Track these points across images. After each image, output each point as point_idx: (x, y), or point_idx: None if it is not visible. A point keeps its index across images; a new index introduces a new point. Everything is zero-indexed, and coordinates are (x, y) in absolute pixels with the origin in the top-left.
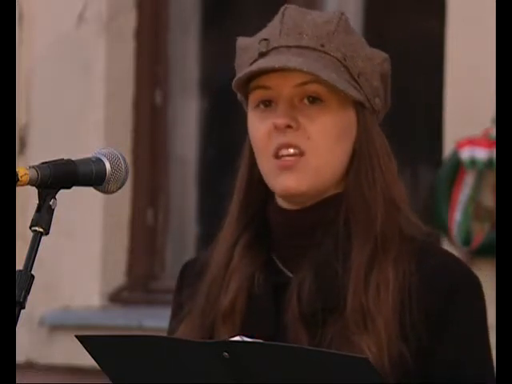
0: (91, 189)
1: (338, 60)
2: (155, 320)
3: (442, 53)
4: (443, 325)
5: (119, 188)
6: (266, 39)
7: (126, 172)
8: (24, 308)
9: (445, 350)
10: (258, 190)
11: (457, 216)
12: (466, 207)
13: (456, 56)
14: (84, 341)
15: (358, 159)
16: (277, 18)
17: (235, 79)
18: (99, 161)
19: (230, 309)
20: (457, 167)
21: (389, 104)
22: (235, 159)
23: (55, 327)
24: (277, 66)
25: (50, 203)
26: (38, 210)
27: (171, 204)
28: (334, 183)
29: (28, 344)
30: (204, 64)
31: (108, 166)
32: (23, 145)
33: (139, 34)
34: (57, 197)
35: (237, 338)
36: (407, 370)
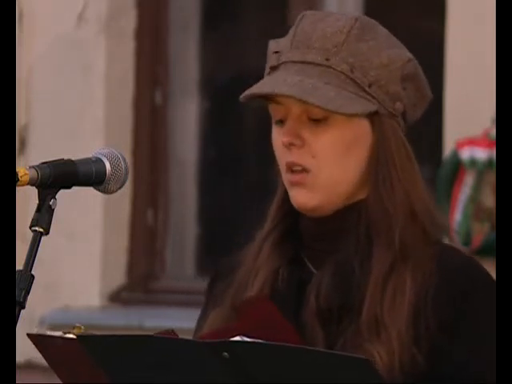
0: (91, 189)
1: (343, 73)
2: (155, 320)
3: (442, 53)
4: (457, 327)
5: (119, 188)
6: (277, 52)
7: (126, 172)
8: (24, 308)
9: (456, 352)
10: None
11: (457, 216)
12: (466, 207)
13: (456, 56)
14: (84, 340)
15: (376, 167)
16: (293, 27)
17: (242, 96)
18: (99, 161)
19: None
20: (457, 167)
21: (423, 102)
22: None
23: (55, 327)
24: (264, 91)
25: (50, 203)
26: (38, 210)
27: (171, 204)
28: (356, 190)
29: (28, 344)
30: (204, 64)
31: (108, 166)
32: (23, 145)
33: (139, 34)
34: (57, 197)
35: (237, 338)
36: (419, 373)
